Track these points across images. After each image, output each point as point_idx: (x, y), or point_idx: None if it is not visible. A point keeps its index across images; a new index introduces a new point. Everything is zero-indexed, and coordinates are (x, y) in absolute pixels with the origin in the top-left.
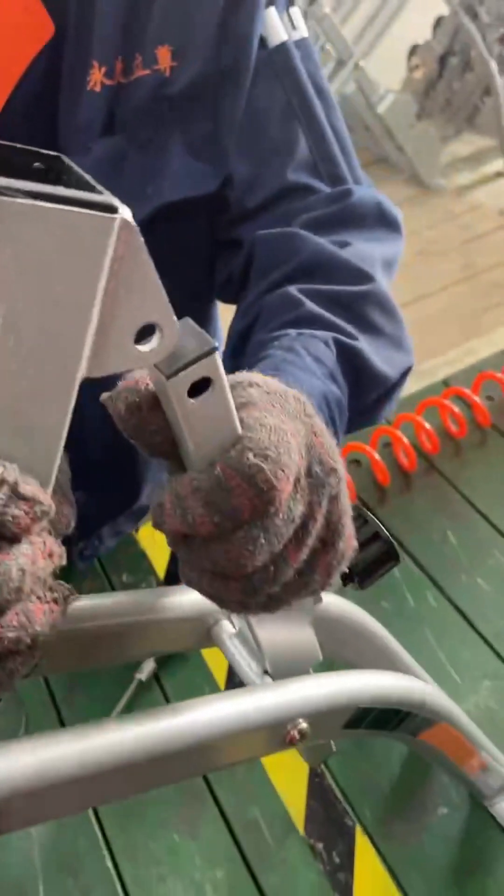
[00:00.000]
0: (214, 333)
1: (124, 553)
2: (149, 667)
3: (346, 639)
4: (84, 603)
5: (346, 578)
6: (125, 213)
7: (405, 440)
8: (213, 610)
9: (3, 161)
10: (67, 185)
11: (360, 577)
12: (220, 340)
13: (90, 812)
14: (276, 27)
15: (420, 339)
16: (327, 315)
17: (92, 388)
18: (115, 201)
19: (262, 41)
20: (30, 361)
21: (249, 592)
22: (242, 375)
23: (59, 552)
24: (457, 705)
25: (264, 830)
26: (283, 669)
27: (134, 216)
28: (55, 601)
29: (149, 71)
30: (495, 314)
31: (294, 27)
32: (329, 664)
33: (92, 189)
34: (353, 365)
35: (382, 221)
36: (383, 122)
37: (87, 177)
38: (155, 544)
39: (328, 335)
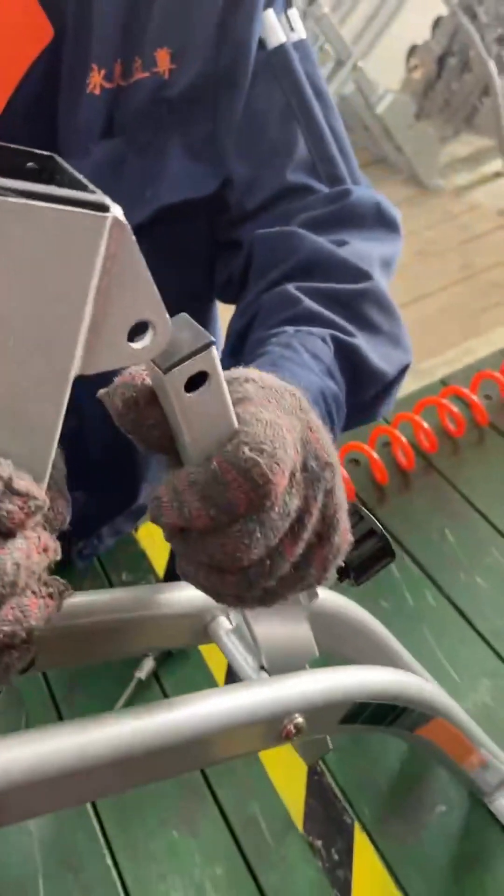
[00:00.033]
0: (215, 333)
1: (124, 552)
2: (148, 665)
3: (343, 634)
4: (81, 599)
5: (342, 574)
6: (117, 211)
7: (404, 439)
8: (211, 606)
9: None
10: (60, 185)
11: (355, 573)
12: (221, 341)
13: (90, 810)
14: (275, 29)
15: (419, 339)
16: (325, 313)
17: (91, 388)
18: (107, 200)
19: (261, 43)
20: (23, 359)
21: (245, 586)
22: (239, 371)
23: (54, 547)
24: (454, 702)
25: (264, 828)
26: (279, 665)
27: (134, 219)
28: (50, 596)
29: (148, 74)
30: (494, 314)
31: (292, 29)
32: (326, 660)
33: (84, 188)
34: (350, 362)
35: (381, 221)
36: (382, 123)
37: (80, 176)
38: (154, 543)
39: (326, 332)
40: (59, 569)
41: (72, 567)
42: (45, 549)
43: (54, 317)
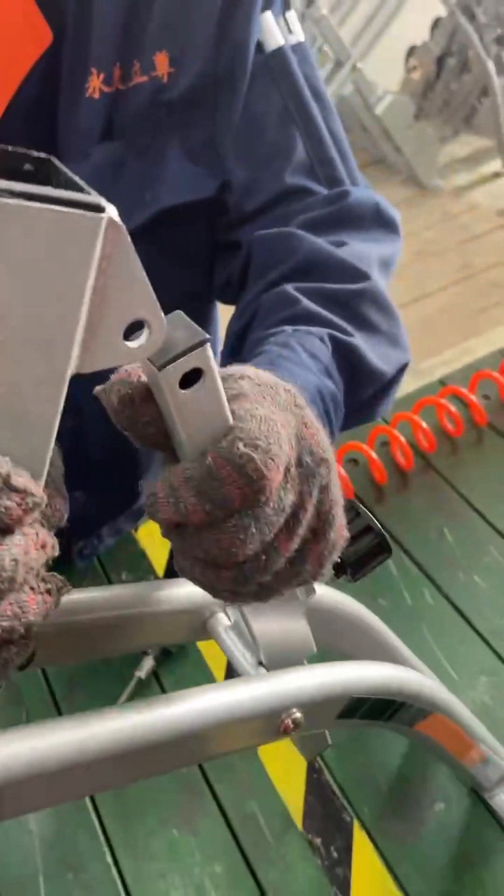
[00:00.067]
0: (214, 334)
1: (124, 552)
2: (148, 664)
3: (341, 630)
4: (80, 595)
5: (338, 570)
6: (112, 212)
7: (402, 439)
8: (209, 602)
9: None
10: (56, 186)
11: (352, 569)
12: (220, 342)
13: (90, 808)
14: (273, 32)
15: (418, 339)
16: (323, 312)
17: (90, 388)
18: (102, 201)
19: (259, 46)
20: (20, 358)
21: (241, 581)
22: (234, 368)
23: (52, 543)
24: (454, 697)
25: (263, 826)
26: (277, 660)
27: (134, 221)
28: (48, 592)
29: (147, 78)
30: (493, 314)
31: (290, 31)
32: (324, 656)
33: (80, 189)
34: (348, 361)
35: (380, 222)
36: (381, 123)
37: (76, 178)
38: (154, 543)
39: (324, 332)
40: (59, 568)
41: (72, 567)
42: (44, 546)
43: (51, 316)
